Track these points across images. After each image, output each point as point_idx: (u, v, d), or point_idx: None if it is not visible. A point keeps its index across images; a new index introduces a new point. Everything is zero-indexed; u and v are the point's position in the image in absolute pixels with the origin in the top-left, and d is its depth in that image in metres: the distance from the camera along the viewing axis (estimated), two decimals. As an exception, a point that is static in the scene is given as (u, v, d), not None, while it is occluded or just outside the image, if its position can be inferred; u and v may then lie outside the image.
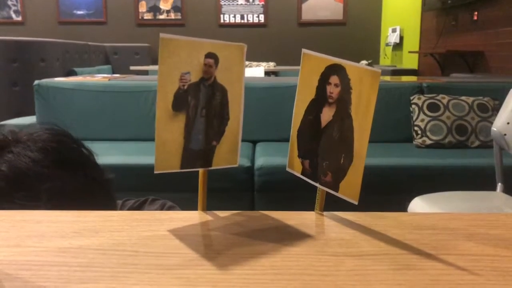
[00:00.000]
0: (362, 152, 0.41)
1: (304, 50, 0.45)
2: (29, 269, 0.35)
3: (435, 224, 0.44)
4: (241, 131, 0.48)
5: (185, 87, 0.43)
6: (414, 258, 0.37)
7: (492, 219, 0.45)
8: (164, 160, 0.43)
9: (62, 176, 0.60)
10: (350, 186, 0.43)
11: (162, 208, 0.78)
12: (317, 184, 0.45)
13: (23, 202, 0.56)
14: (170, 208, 0.78)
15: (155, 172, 0.43)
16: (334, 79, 0.42)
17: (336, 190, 0.44)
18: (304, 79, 0.45)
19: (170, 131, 0.43)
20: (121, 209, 0.78)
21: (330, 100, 0.43)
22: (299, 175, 0.47)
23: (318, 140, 0.45)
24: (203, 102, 0.44)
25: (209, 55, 0.43)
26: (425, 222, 0.45)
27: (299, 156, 0.47)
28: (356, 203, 0.42)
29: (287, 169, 0.48)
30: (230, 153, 0.47)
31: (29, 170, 0.58)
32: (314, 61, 0.44)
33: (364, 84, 0.40)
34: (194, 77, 0.43)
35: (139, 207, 0.80)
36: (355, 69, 0.41)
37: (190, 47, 0.42)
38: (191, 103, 0.43)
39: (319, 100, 0.44)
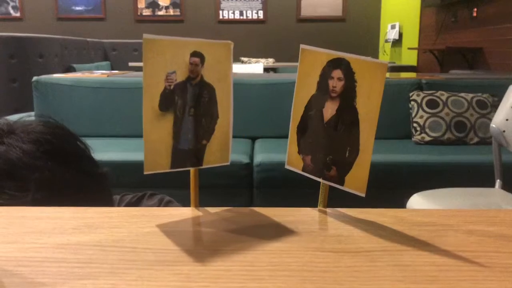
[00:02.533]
0: (369, 145, 0.41)
1: (302, 46, 0.44)
2: (28, 265, 0.35)
3: (434, 221, 0.44)
4: (232, 129, 0.47)
5: (171, 86, 0.42)
6: (413, 255, 0.37)
7: (491, 216, 0.46)
8: (154, 160, 0.43)
9: (52, 168, 0.60)
10: (357, 179, 0.43)
11: (160, 203, 0.78)
12: (320, 179, 0.45)
13: (13, 193, 0.57)
14: (168, 203, 0.78)
15: (144, 173, 0.43)
16: (337, 73, 0.42)
17: (342, 184, 0.44)
18: (303, 75, 0.45)
19: (158, 131, 0.43)
20: (119, 204, 0.78)
21: (333, 94, 0.43)
22: (299, 171, 0.47)
23: (321, 135, 0.44)
24: (191, 101, 0.44)
25: (195, 54, 0.43)
26: (424, 218, 0.45)
27: (299, 152, 0.47)
28: (363, 195, 0.42)
29: (286, 166, 0.48)
30: (221, 151, 0.47)
31: (20, 161, 0.59)
32: (314, 56, 0.44)
33: (370, 77, 0.40)
34: (180, 77, 0.43)
35: (137, 202, 0.80)
36: (361, 62, 0.41)
37: (175, 46, 0.42)
38: (178, 102, 0.43)
39: (321, 95, 0.44)
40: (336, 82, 0.42)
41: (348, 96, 0.42)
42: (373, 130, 0.41)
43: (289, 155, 0.48)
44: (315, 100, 0.44)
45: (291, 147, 0.47)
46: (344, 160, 0.43)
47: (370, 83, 0.40)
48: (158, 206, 0.78)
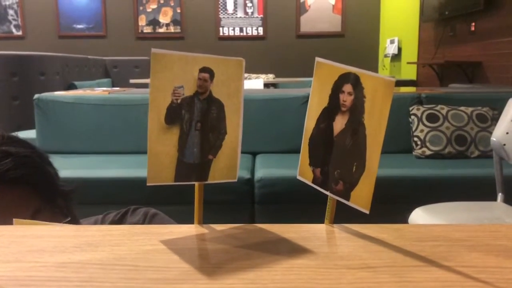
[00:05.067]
0: (375, 161, 0.41)
1: (318, 59, 0.45)
2: (29, 284, 0.34)
3: (437, 236, 0.44)
4: (240, 146, 0.47)
5: (178, 101, 0.43)
6: (415, 270, 0.37)
7: (494, 230, 0.45)
8: (157, 172, 0.43)
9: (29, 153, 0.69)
10: (362, 195, 0.42)
11: (145, 216, 0.77)
12: (327, 193, 0.45)
13: None
14: (154, 215, 0.77)
15: (147, 184, 0.43)
16: (347, 88, 0.42)
17: (348, 199, 0.44)
18: (317, 88, 0.45)
19: (163, 143, 0.43)
20: (102, 223, 0.77)
21: (343, 109, 0.43)
22: (309, 183, 0.47)
23: (330, 149, 0.45)
24: (198, 116, 0.44)
25: (204, 70, 0.43)
26: (427, 233, 0.45)
27: (310, 164, 0.47)
28: (367, 212, 0.42)
29: (298, 177, 0.48)
30: (228, 167, 0.47)
31: None
32: (328, 69, 0.44)
33: (378, 93, 0.40)
34: (188, 91, 0.43)
35: (121, 219, 0.78)
36: (370, 78, 0.41)
37: (183, 61, 0.42)
38: (185, 116, 0.44)
39: (332, 108, 0.44)
40: (346, 96, 0.43)
41: (356, 111, 0.42)
42: (379, 148, 0.41)
43: (301, 166, 0.48)
44: (326, 113, 0.45)
45: (303, 158, 0.47)
46: (351, 175, 0.43)
47: (378, 100, 0.40)
48: (144, 220, 0.77)
